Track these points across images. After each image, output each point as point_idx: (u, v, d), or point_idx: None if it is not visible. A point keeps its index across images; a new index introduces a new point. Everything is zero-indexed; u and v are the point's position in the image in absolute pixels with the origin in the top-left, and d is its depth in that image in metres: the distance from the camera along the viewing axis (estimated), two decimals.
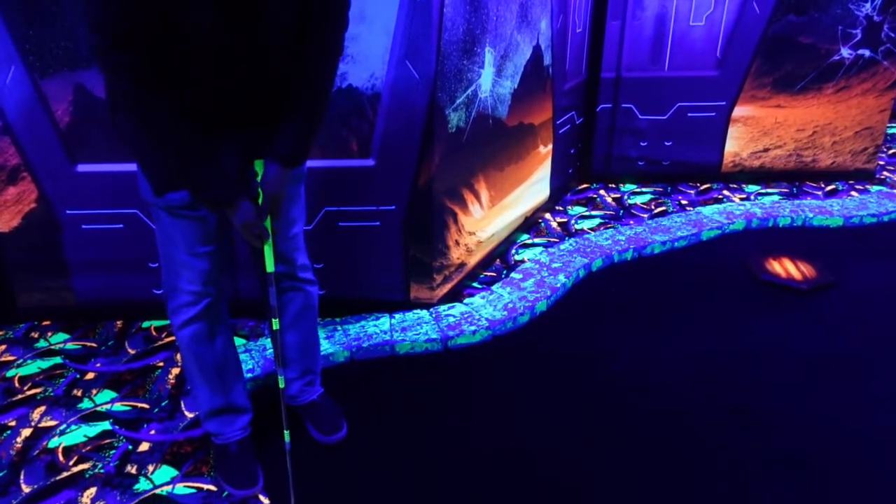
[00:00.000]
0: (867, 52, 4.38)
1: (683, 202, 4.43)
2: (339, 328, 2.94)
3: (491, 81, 3.29)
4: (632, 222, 4.11)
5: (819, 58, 4.39)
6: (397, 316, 3.04)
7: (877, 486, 2.27)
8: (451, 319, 3.03)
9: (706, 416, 2.58)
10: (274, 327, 2.07)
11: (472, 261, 3.42)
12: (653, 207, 4.35)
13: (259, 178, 1.91)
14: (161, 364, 2.77)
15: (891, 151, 5.42)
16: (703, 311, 3.27)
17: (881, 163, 5.10)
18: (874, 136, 4.66)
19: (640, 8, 4.26)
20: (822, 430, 2.51)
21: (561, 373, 2.81)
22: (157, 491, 2.18)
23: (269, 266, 1.99)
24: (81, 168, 2.83)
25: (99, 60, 1.62)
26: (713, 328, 3.14)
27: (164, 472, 2.25)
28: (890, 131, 5.86)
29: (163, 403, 2.54)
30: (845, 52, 4.38)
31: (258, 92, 1.84)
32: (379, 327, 2.95)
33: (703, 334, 3.09)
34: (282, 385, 2.11)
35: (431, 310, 3.11)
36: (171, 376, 2.69)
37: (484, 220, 3.48)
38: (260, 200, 1.91)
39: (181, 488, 2.20)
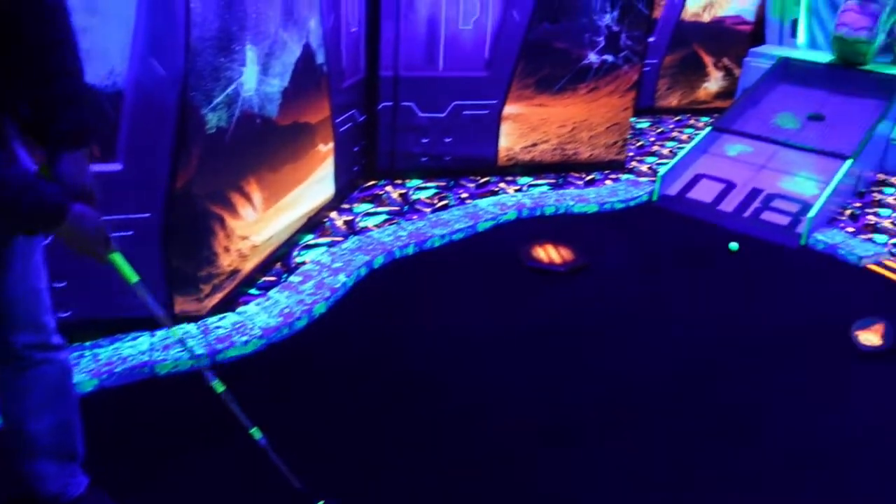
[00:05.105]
0: (610, 58, 4.63)
1: (464, 195, 4.42)
2: (88, 353, 2.50)
3: (256, 80, 2.97)
4: (415, 217, 4.01)
5: (572, 61, 4.56)
6: (159, 333, 2.65)
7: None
8: (221, 331, 2.70)
9: (480, 391, 2.54)
10: (180, 334, 1.74)
11: (248, 266, 3.10)
12: (436, 202, 4.29)
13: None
14: None
15: (638, 144, 5.84)
16: (477, 298, 3.23)
17: (630, 154, 5.47)
18: (621, 131, 4.96)
19: (412, 10, 4.14)
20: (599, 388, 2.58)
21: (336, 374, 2.62)
22: None
23: (132, 274, 1.58)
24: None
25: None
26: (486, 313, 3.11)
27: None
28: (639, 126, 6.33)
29: None
30: (593, 57, 4.58)
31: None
32: (136, 348, 2.55)
33: (475, 318, 3.06)
34: (219, 389, 1.80)
35: (199, 323, 2.75)
36: None
37: (259, 223, 3.16)
38: None
39: None
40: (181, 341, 1.84)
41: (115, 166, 2.50)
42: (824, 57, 5.73)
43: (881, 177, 5.29)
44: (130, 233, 2.59)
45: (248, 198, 3.04)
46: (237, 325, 2.75)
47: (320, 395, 2.50)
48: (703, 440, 2.44)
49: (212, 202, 2.77)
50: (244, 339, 2.66)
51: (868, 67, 5.46)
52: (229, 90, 2.78)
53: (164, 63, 2.45)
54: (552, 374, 2.74)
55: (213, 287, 2.83)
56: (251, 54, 2.90)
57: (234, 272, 2.98)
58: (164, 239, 2.63)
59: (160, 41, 2.42)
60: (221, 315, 2.82)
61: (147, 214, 2.58)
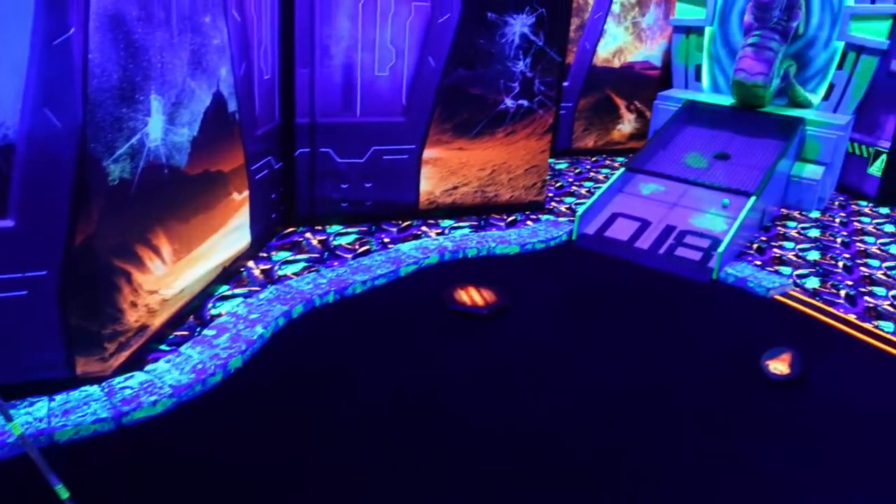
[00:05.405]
0: (525, 103, 4.80)
1: (386, 240, 4.43)
2: None
3: (162, 129, 2.91)
4: (336, 264, 3.98)
5: (489, 106, 4.69)
6: (59, 397, 2.51)
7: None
8: (128, 392, 2.58)
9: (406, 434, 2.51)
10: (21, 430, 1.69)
11: (157, 321, 2.98)
12: (357, 247, 4.27)
13: None
14: None
15: (557, 184, 6.02)
16: (401, 344, 3.21)
17: (550, 194, 5.63)
18: (540, 173, 5.12)
19: (327, 57, 4.19)
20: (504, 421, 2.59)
21: (253, 432, 2.53)
22: None
23: None
24: None
25: None
26: (410, 359, 3.09)
27: None
28: (558, 167, 6.54)
29: None
30: (509, 101, 4.74)
31: None
32: (33, 415, 2.39)
33: (399, 365, 3.03)
34: (64, 496, 1.80)
35: (104, 384, 2.62)
36: None
37: (169, 277, 3.06)
38: None
39: None
40: (22, 437, 1.76)
41: (7, 223, 2.39)
42: (726, 100, 6.12)
43: (784, 211, 5.64)
44: (24, 293, 2.46)
45: (156, 250, 2.95)
46: (145, 385, 2.63)
47: (236, 456, 2.41)
48: (623, 474, 2.48)
49: (116, 256, 2.67)
50: (153, 398, 2.55)
51: (767, 109, 5.87)
52: (133, 141, 2.72)
53: (59, 114, 2.38)
54: (476, 417, 2.73)
55: (119, 345, 2.71)
56: (156, 104, 2.86)
57: (142, 328, 2.87)
58: (63, 297, 2.51)
59: (55, 91, 2.36)
60: (128, 374, 2.69)
61: (43, 272, 2.47)
